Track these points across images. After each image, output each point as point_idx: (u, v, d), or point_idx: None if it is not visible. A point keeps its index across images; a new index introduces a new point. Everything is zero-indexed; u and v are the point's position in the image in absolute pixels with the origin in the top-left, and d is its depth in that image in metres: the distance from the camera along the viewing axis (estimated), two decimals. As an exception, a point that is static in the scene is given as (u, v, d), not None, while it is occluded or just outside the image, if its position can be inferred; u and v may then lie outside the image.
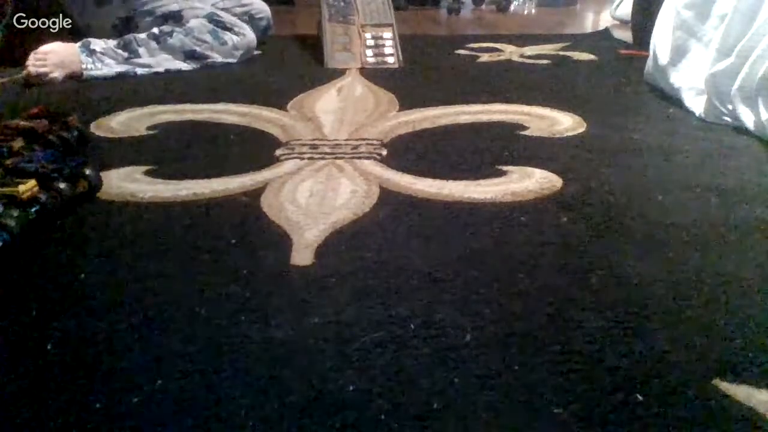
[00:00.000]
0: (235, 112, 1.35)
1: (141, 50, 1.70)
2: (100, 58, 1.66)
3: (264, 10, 2.02)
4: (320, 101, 1.44)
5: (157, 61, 1.72)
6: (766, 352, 0.59)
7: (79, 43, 1.65)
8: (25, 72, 1.59)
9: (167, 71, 1.72)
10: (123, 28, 1.75)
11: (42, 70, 1.58)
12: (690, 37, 1.34)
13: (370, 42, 1.85)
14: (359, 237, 0.81)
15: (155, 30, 1.73)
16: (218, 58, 1.80)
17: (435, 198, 0.92)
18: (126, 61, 1.69)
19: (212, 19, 1.82)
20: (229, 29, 1.83)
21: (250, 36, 1.87)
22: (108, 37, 1.71)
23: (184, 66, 1.75)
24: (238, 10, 1.91)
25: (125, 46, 1.69)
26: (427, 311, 0.65)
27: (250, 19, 1.93)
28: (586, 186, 0.95)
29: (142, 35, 1.71)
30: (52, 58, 1.60)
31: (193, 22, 1.77)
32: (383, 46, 1.85)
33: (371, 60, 1.81)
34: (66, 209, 0.87)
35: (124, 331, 0.62)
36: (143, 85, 1.61)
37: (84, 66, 1.64)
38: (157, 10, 1.75)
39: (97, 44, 1.67)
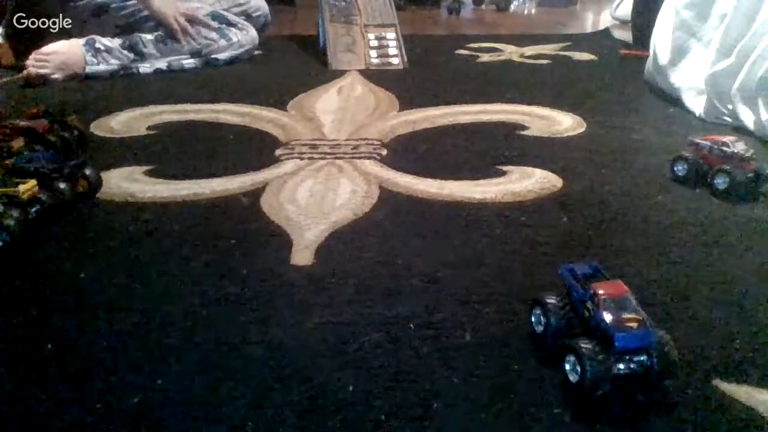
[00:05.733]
0: (235, 112, 1.35)
1: (146, 51, 1.70)
2: (104, 58, 1.65)
3: (261, 6, 2.02)
4: (320, 101, 1.44)
5: (161, 60, 1.72)
6: (766, 352, 0.59)
7: (83, 41, 1.64)
8: (25, 72, 1.58)
9: (170, 68, 1.72)
10: (122, 33, 1.74)
11: (43, 71, 1.58)
12: (690, 37, 1.33)
13: (374, 43, 1.84)
14: (359, 237, 0.81)
15: (161, 31, 1.72)
16: (223, 55, 1.80)
17: (435, 198, 0.92)
18: (131, 62, 1.69)
19: (216, 16, 1.81)
20: (234, 25, 1.83)
21: (252, 32, 1.87)
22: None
23: (188, 63, 1.75)
24: (236, 10, 1.91)
25: (131, 47, 1.69)
26: (427, 311, 0.65)
27: (248, 18, 1.93)
28: (586, 186, 0.95)
29: (149, 36, 1.71)
30: (55, 59, 1.60)
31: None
32: (387, 46, 1.84)
33: (375, 61, 1.80)
34: (66, 209, 0.87)
35: (124, 331, 0.62)
36: (143, 85, 1.61)
37: (87, 64, 1.63)
38: None
39: (102, 43, 1.66)
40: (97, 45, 1.65)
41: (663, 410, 0.52)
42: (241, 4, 1.95)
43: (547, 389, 0.54)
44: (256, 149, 1.13)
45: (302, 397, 0.53)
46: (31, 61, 1.58)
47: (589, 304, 0.55)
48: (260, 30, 1.98)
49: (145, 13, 1.72)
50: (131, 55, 1.69)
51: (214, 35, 1.79)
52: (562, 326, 0.57)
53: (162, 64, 1.72)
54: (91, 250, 0.79)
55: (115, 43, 1.68)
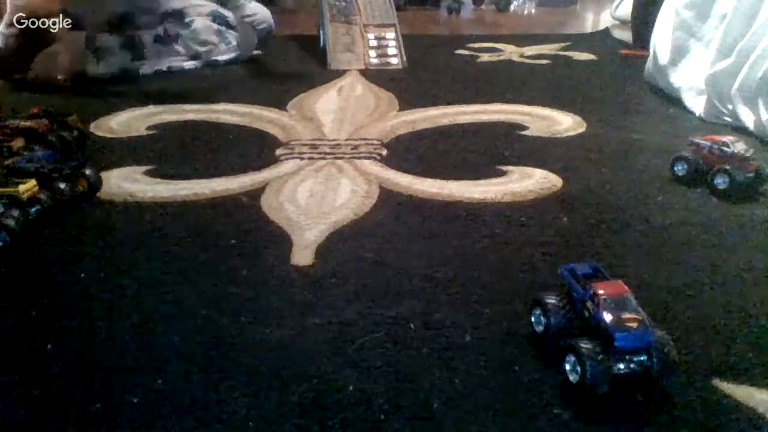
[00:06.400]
0: (235, 112, 1.35)
1: (146, 52, 1.69)
2: (104, 58, 1.65)
3: (266, 19, 2.00)
4: (320, 101, 1.44)
5: (161, 61, 1.72)
6: (766, 352, 0.59)
7: (83, 40, 1.64)
8: (32, 74, 1.58)
9: (170, 69, 1.72)
10: (119, 24, 1.72)
11: (46, 72, 1.58)
12: (690, 37, 1.33)
13: (373, 42, 1.84)
14: (359, 237, 0.81)
15: (160, 31, 1.71)
16: (223, 57, 1.79)
17: (435, 198, 0.92)
18: (131, 62, 1.68)
19: (216, 16, 1.80)
20: (233, 27, 1.82)
21: (252, 34, 1.87)
22: (102, 32, 1.69)
23: (188, 64, 1.75)
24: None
25: (130, 47, 1.68)
26: (427, 311, 0.65)
27: (252, 30, 1.92)
28: (586, 186, 0.95)
29: (148, 36, 1.70)
30: (58, 59, 1.60)
31: (198, 23, 1.75)
32: (386, 46, 1.84)
33: (374, 61, 1.80)
34: (66, 209, 0.87)
35: (124, 331, 0.62)
36: (143, 85, 1.61)
37: (88, 65, 1.63)
38: (159, 8, 1.74)
39: (102, 41, 1.66)
40: (97, 44, 1.65)
41: (663, 410, 0.52)
42: (248, 16, 1.94)
43: (547, 389, 0.54)
44: (256, 149, 1.13)
45: (302, 397, 0.53)
46: (36, 63, 1.59)
47: (589, 304, 0.55)
48: (263, 39, 1.96)
49: (145, 4, 1.71)
50: (130, 55, 1.68)
51: (213, 38, 1.78)
52: (562, 326, 0.57)
53: (162, 65, 1.72)
54: (91, 250, 0.79)
55: (114, 42, 1.67)
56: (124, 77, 1.66)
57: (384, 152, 1.10)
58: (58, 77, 1.59)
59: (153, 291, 0.69)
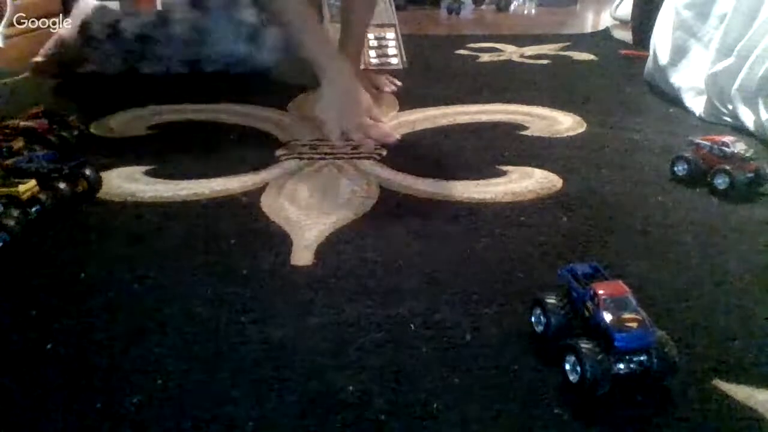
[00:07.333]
0: (235, 112, 1.35)
1: (155, 52, 1.69)
2: (107, 55, 1.65)
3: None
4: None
5: (162, 62, 1.71)
6: (766, 352, 0.59)
7: (84, 37, 1.64)
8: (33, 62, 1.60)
9: (168, 71, 1.71)
10: None
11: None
12: (690, 37, 1.33)
13: (373, 43, 1.84)
14: (359, 237, 0.81)
15: (170, 51, 1.68)
16: (212, 67, 1.76)
17: (435, 198, 0.92)
18: (132, 61, 1.67)
19: (243, 24, 1.75)
20: (252, 39, 1.78)
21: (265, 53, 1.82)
22: None
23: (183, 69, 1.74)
24: None
25: (140, 42, 1.67)
26: (427, 311, 0.65)
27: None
28: (586, 186, 0.95)
29: (161, 48, 1.68)
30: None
31: (218, 44, 1.69)
32: (386, 47, 1.83)
33: (374, 61, 1.80)
34: (66, 209, 0.87)
35: (124, 331, 0.62)
36: (143, 85, 1.60)
37: (88, 61, 1.63)
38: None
39: (103, 41, 1.65)
40: (98, 43, 1.64)
41: (663, 410, 0.52)
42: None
43: (547, 389, 0.54)
44: (256, 149, 1.13)
45: (302, 397, 0.53)
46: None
47: (589, 304, 0.55)
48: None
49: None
50: (132, 55, 1.67)
51: (241, 48, 1.73)
52: (563, 326, 0.57)
53: (161, 67, 1.71)
54: (91, 250, 0.79)
55: (115, 43, 1.66)
56: (125, 76, 1.66)
57: (384, 152, 1.10)
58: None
59: (153, 291, 0.69)
